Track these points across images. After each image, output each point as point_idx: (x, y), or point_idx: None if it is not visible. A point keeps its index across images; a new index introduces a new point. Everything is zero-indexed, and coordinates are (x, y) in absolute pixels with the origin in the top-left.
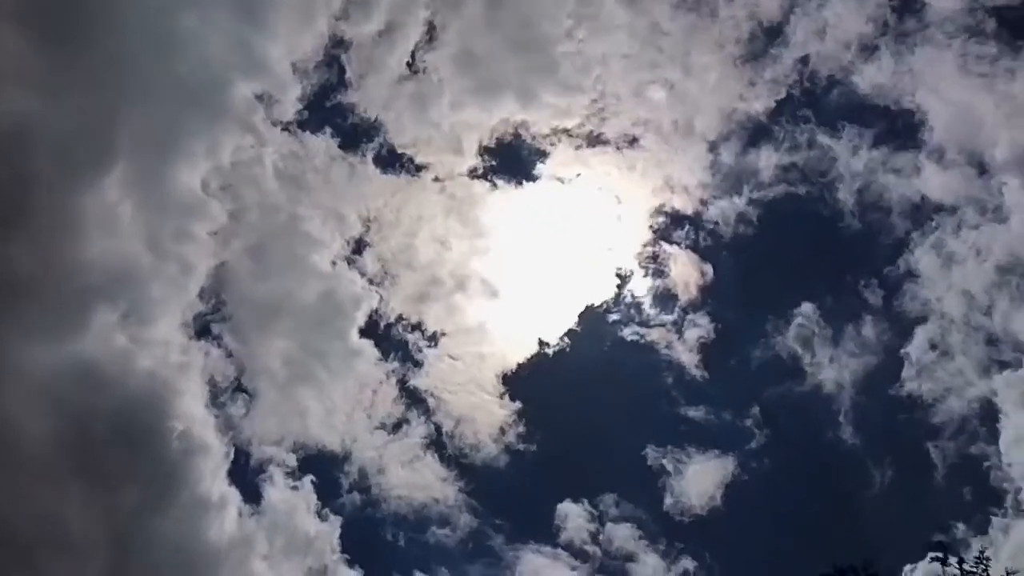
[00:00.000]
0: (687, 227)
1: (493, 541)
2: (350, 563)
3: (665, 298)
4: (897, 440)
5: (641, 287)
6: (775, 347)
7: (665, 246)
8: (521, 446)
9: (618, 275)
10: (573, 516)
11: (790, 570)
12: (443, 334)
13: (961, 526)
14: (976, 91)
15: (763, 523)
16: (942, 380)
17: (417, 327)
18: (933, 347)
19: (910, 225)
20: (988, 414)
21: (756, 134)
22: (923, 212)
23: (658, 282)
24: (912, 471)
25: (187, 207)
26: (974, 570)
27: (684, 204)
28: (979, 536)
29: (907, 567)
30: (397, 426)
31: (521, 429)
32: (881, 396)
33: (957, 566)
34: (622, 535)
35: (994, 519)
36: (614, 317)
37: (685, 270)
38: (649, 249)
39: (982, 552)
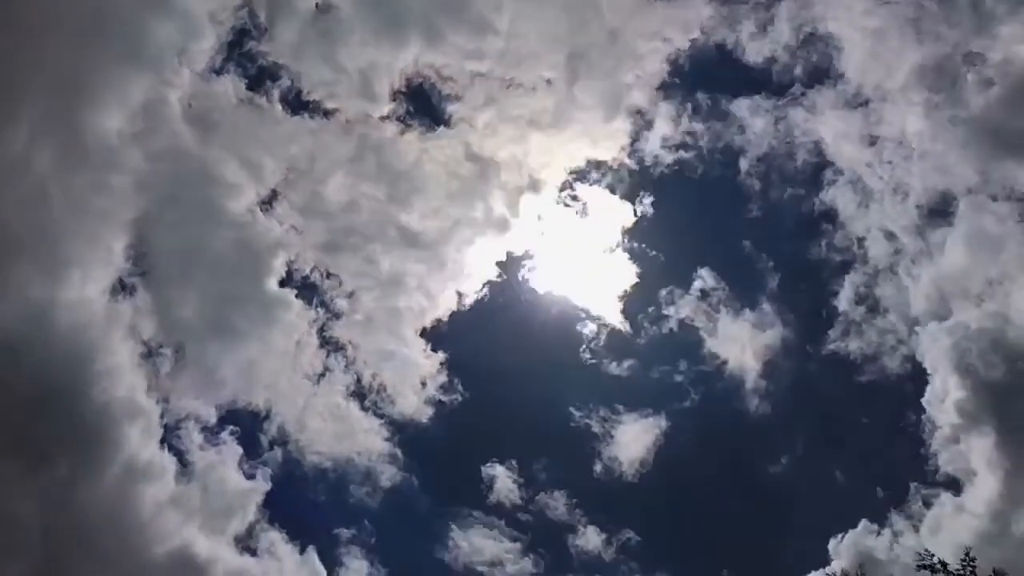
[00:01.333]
0: (605, 171)
1: (420, 503)
2: (274, 522)
3: (584, 243)
4: (817, 401)
5: (560, 231)
6: (689, 301)
7: (583, 189)
8: (445, 398)
9: (538, 219)
10: (502, 478)
11: (725, 535)
12: (362, 284)
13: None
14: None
15: (697, 485)
16: (866, 335)
17: (334, 276)
18: (859, 299)
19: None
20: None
21: (670, 78)
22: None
23: (577, 226)
24: (836, 435)
25: (102, 156)
26: (961, 572)
27: (601, 148)
28: (899, 508)
29: (832, 541)
30: (320, 376)
31: (444, 380)
32: (801, 354)
33: (944, 573)
34: (556, 504)
35: (913, 486)
36: (534, 265)
37: (603, 213)
38: (567, 193)
39: (967, 553)
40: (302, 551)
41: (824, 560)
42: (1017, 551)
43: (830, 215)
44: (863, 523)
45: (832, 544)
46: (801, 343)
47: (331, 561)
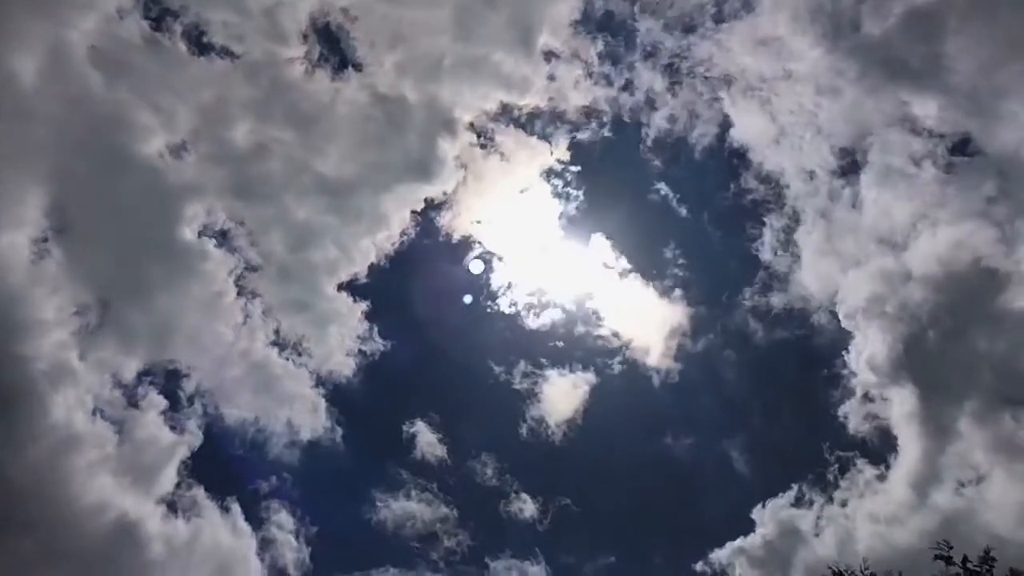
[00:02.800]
0: (520, 113)
1: (344, 458)
2: (198, 478)
3: (504, 186)
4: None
5: (481, 173)
6: (607, 246)
7: (499, 131)
8: (366, 350)
9: (458, 165)
10: (425, 434)
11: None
12: (278, 233)
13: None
14: None
15: (620, 449)
16: (785, 287)
17: (249, 225)
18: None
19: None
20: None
21: (583, 18)
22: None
23: (496, 167)
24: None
25: (10, 105)
26: (978, 569)
27: (516, 90)
28: (822, 473)
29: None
30: (240, 328)
31: (364, 332)
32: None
33: (961, 566)
34: (481, 464)
35: (837, 450)
36: (454, 210)
37: (521, 156)
38: (483, 136)
39: (987, 552)
40: (226, 506)
41: (749, 527)
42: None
43: (742, 154)
44: (787, 491)
45: (756, 512)
46: (718, 291)
47: (255, 516)
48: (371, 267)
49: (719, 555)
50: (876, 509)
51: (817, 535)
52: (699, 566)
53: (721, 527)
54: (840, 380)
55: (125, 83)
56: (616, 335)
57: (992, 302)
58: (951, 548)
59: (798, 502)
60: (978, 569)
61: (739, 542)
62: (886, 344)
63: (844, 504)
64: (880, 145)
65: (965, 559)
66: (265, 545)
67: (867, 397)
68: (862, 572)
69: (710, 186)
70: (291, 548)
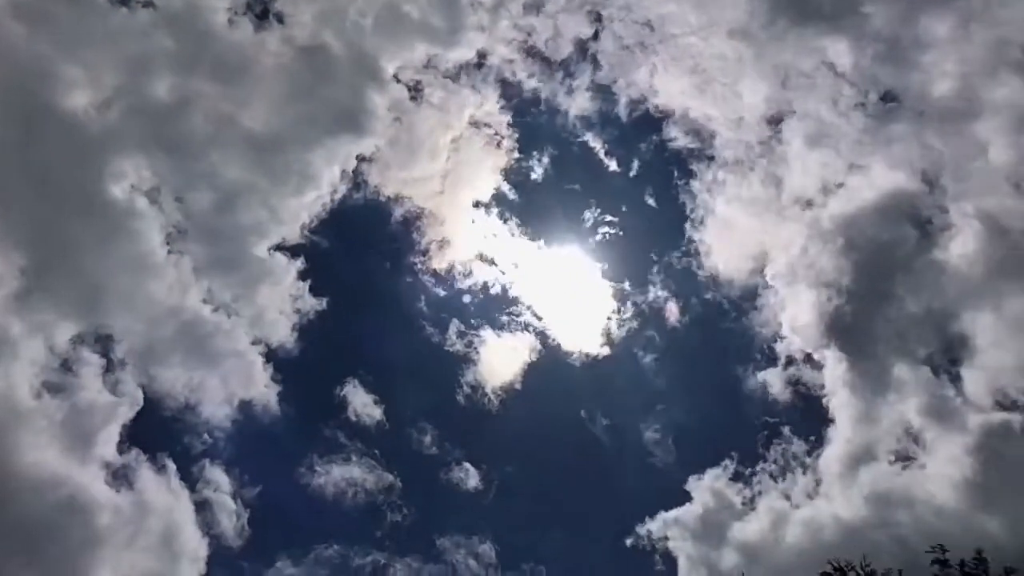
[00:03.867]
0: (449, 64)
1: (280, 421)
2: (135, 442)
3: (435, 139)
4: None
5: (412, 126)
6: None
7: (430, 80)
8: (299, 310)
9: (387, 118)
10: (361, 396)
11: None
12: (206, 191)
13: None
14: None
15: (558, 416)
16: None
17: (178, 183)
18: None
19: None
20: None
21: None
22: None
23: (426, 120)
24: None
25: None
26: (974, 571)
27: (444, 41)
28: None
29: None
30: (172, 290)
31: (297, 292)
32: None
33: (959, 569)
34: (423, 435)
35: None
36: (386, 165)
37: (452, 104)
38: (413, 88)
39: (979, 553)
40: (165, 470)
41: (685, 498)
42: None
43: (667, 106)
44: (721, 462)
45: (691, 482)
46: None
47: (194, 479)
48: (303, 226)
49: (652, 526)
50: (808, 479)
51: (752, 508)
52: (632, 536)
53: (655, 498)
54: (770, 345)
55: (46, 35)
56: (549, 297)
57: (922, 255)
58: (946, 552)
59: (733, 474)
60: (974, 571)
61: (673, 513)
62: (812, 305)
63: (777, 476)
64: (804, 97)
65: (963, 563)
66: (204, 509)
67: (795, 361)
68: (861, 568)
69: (635, 138)
70: (229, 512)
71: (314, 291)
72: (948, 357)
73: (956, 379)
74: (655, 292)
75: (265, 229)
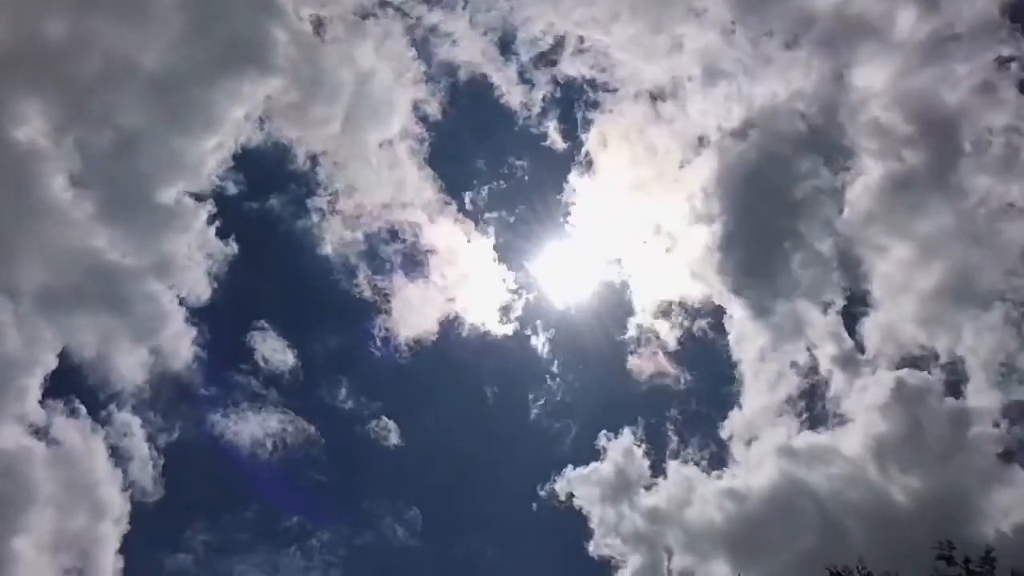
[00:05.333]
0: None
1: (195, 369)
2: (53, 396)
3: (342, 77)
4: None
5: (318, 63)
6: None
7: (335, 14)
8: (210, 256)
9: (296, 54)
10: (275, 345)
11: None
12: (107, 135)
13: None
14: None
15: (468, 369)
16: None
17: (79, 129)
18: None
19: None
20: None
21: None
22: None
23: (331, 57)
24: None
25: None
26: (980, 570)
27: None
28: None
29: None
30: (81, 236)
31: (209, 238)
32: None
33: (963, 567)
34: (337, 388)
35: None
36: (293, 105)
37: (358, 39)
38: (320, 14)
39: (987, 552)
40: (82, 422)
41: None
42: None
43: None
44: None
45: (601, 440)
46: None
47: (113, 431)
48: (210, 170)
49: (561, 483)
50: (713, 441)
51: (656, 475)
52: (543, 491)
53: (567, 456)
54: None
55: None
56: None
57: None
58: (953, 548)
59: (640, 435)
60: (979, 570)
61: (583, 470)
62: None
63: (681, 437)
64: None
65: (967, 559)
66: (121, 461)
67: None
68: (859, 571)
69: (539, 72)
70: (145, 463)
71: (222, 236)
72: (855, 307)
73: (862, 331)
74: (560, 239)
75: (171, 173)
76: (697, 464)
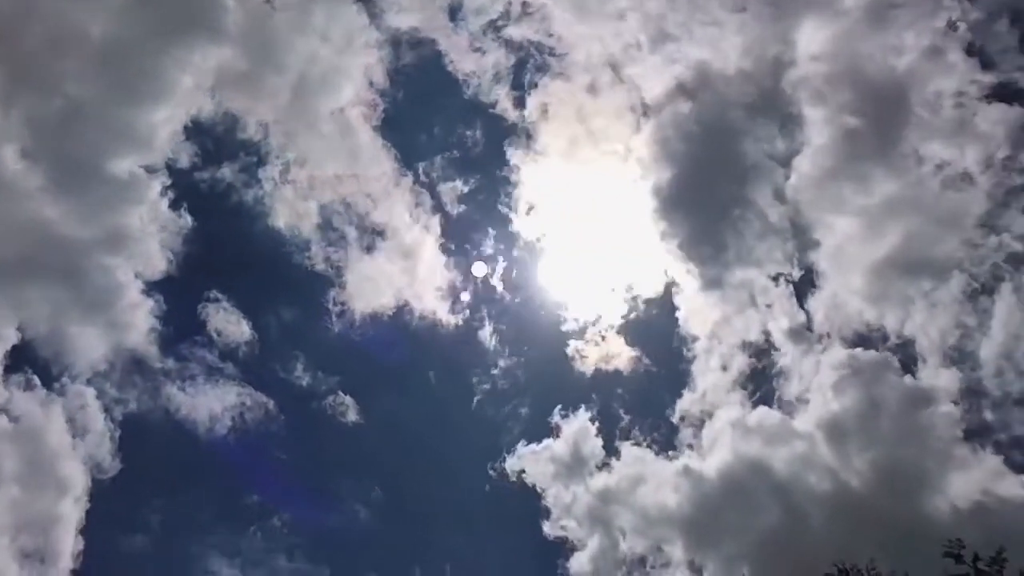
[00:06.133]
0: None
1: (151, 340)
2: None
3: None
4: None
5: (272, 30)
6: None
7: None
8: (166, 223)
9: (247, 22)
10: (231, 317)
11: None
12: (55, 105)
13: None
14: None
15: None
16: None
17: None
18: None
19: None
20: None
21: None
22: None
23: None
24: None
25: None
26: (988, 569)
27: None
28: None
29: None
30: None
31: (165, 206)
32: None
33: (972, 566)
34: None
35: None
36: (246, 74)
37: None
38: None
39: (999, 553)
40: (40, 396)
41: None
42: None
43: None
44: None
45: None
46: None
47: (72, 405)
48: (163, 140)
49: (513, 460)
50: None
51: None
52: (496, 469)
53: (521, 433)
54: None
55: None
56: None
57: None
58: (963, 547)
59: (594, 414)
60: (988, 569)
61: (534, 447)
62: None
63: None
64: None
65: (976, 557)
66: (80, 438)
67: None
68: (868, 572)
69: (491, 43)
70: (102, 436)
71: (175, 208)
72: (807, 280)
73: (814, 305)
74: (510, 208)
75: (122, 145)
76: (650, 446)
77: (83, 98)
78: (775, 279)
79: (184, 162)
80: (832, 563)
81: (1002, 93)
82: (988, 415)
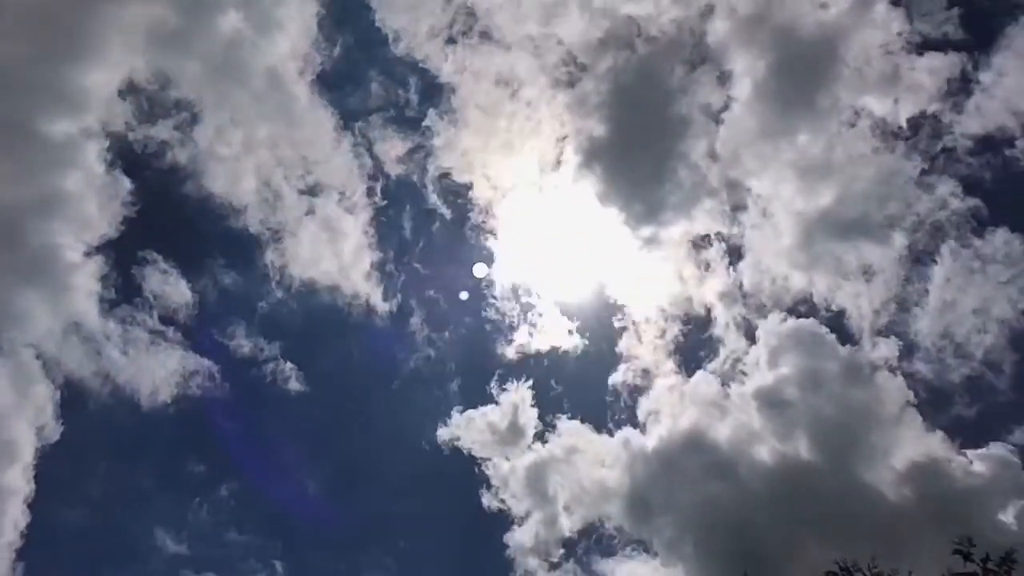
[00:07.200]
0: None
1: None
2: None
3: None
4: None
5: None
6: None
7: None
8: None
9: None
10: (166, 278)
11: None
12: None
13: None
14: None
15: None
16: None
17: None
18: None
19: None
20: None
21: None
22: None
23: None
24: None
25: None
26: (996, 569)
27: None
28: None
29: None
30: None
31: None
32: None
33: (980, 565)
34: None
35: None
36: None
37: None
38: None
39: (1008, 553)
40: None
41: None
42: None
43: None
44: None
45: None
46: None
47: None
48: (97, 101)
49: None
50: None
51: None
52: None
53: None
54: None
55: None
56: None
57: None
58: (973, 545)
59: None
60: (996, 569)
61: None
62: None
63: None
64: None
65: (987, 557)
66: (22, 404)
67: None
68: (869, 570)
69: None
70: (45, 406)
71: (111, 169)
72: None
73: (747, 268)
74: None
75: (56, 107)
76: (585, 419)
77: (14, 59)
78: (706, 240)
79: (119, 124)
80: (833, 561)
81: (931, 43)
82: (925, 380)
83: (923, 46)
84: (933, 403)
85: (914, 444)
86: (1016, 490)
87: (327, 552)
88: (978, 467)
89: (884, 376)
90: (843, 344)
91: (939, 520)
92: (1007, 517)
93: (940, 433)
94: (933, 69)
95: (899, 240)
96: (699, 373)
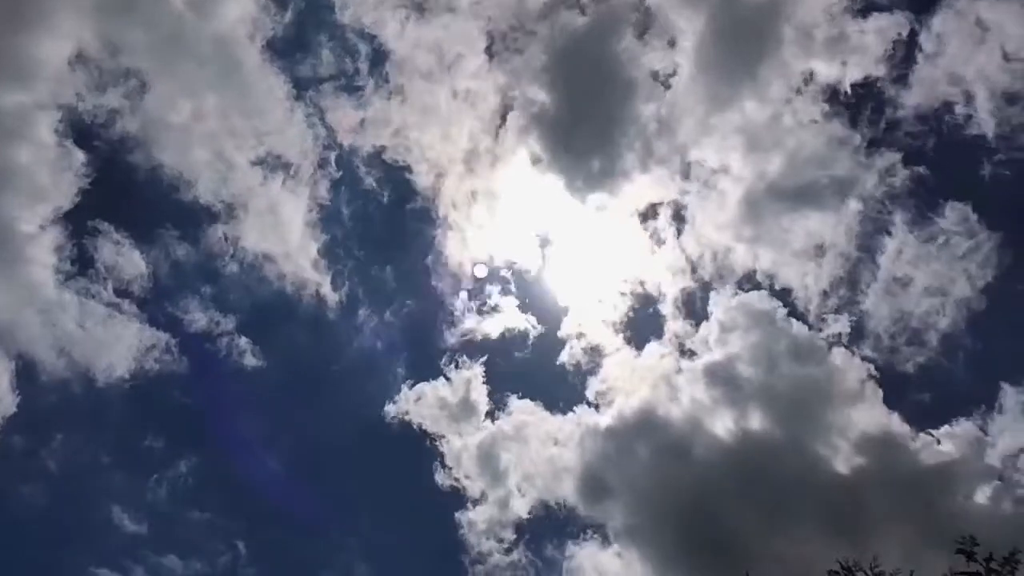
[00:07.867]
0: None
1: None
2: None
3: None
4: None
5: None
6: None
7: None
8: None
9: None
10: (120, 250)
11: None
12: None
13: None
14: None
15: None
16: None
17: None
18: None
19: None
20: None
21: None
22: None
23: None
24: None
25: None
26: (1000, 569)
27: None
28: None
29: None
30: None
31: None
32: None
33: (983, 564)
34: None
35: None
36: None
37: None
38: None
39: (1012, 553)
40: None
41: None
42: None
43: None
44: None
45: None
46: None
47: None
48: (48, 73)
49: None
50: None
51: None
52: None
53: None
54: None
55: None
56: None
57: None
58: (976, 544)
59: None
60: (999, 569)
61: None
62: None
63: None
64: None
65: (990, 557)
66: None
67: None
68: (870, 570)
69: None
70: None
71: (63, 141)
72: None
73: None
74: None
75: (6, 79)
76: (537, 399)
77: None
78: (655, 209)
79: (70, 95)
80: (835, 559)
81: (876, 5)
82: (875, 354)
83: (868, 7)
84: (881, 372)
85: (861, 413)
86: (979, 469)
87: (283, 529)
88: (945, 447)
89: (837, 350)
90: (793, 319)
91: (898, 496)
92: (969, 494)
93: (882, 399)
94: (877, 28)
95: (863, 208)
96: (649, 346)
